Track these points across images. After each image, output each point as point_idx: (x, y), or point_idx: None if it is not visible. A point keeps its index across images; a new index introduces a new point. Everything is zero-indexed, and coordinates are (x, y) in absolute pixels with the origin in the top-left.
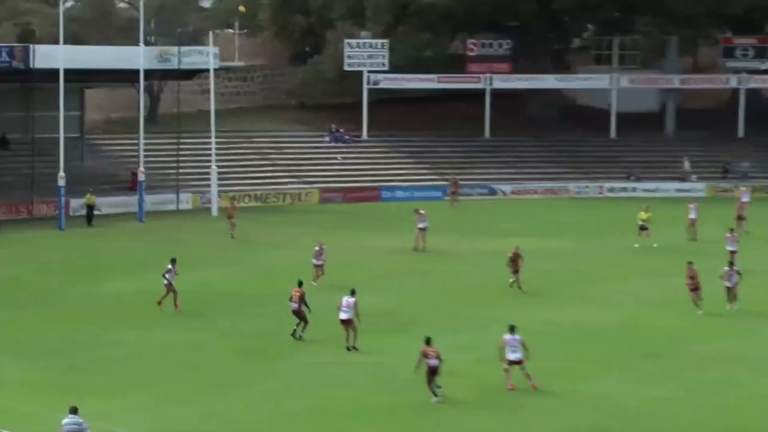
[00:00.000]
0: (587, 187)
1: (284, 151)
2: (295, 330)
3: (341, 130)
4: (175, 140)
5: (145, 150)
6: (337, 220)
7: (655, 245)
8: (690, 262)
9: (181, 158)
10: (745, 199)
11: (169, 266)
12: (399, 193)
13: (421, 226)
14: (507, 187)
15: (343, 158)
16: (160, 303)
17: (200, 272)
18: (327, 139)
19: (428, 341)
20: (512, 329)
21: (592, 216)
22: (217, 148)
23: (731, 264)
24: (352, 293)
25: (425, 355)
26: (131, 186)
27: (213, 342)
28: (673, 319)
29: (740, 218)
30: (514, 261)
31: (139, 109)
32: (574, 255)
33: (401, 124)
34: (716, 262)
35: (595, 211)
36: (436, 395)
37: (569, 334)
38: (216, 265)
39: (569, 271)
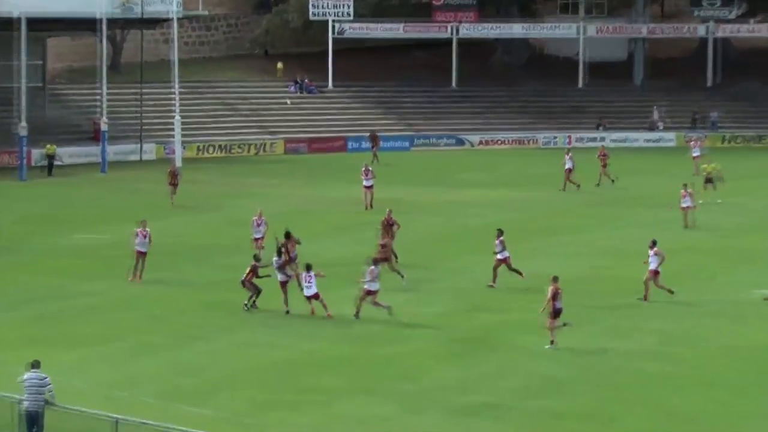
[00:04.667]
0: (556, 137)
1: (249, 101)
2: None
3: (306, 80)
4: (137, 90)
5: (108, 100)
6: (302, 170)
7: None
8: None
9: (144, 108)
10: (696, 153)
11: (138, 229)
12: (365, 144)
13: (366, 184)
14: (474, 137)
15: (292, 102)
16: (132, 276)
17: (165, 223)
18: (292, 89)
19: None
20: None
21: (560, 166)
22: (180, 98)
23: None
24: (308, 268)
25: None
26: (93, 136)
27: (179, 293)
28: (640, 269)
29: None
30: (388, 228)
31: (101, 59)
32: (540, 205)
33: (367, 74)
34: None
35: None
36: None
37: (532, 286)
38: (181, 217)
39: (534, 222)
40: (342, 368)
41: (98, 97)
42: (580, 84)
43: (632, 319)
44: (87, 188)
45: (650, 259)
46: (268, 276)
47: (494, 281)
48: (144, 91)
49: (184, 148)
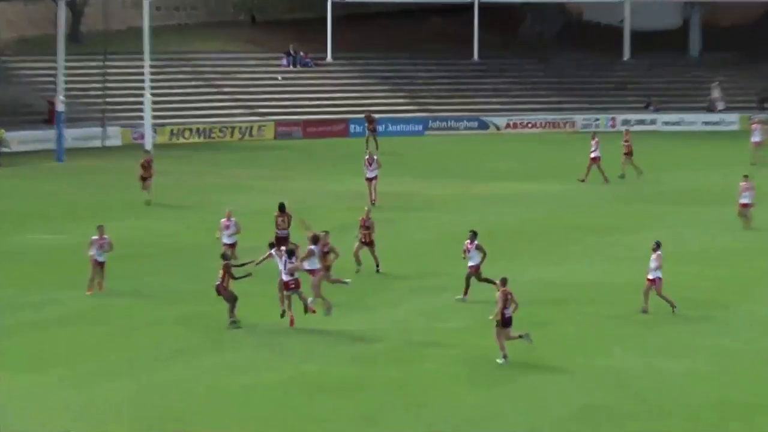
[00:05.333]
0: (597, 119)
1: (233, 76)
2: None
3: (301, 52)
4: (100, 63)
5: (66, 75)
6: (296, 158)
7: None
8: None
9: (108, 85)
10: (756, 138)
11: (95, 237)
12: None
13: (369, 175)
14: (500, 120)
15: (284, 78)
16: (89, 289)
17: (134, 222)
18: (284, 62)
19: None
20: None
21: (603, 154)
22: (151, 73)
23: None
24: (291, 254)
25: None
26: (48, 118)
27: (150, 305)
28: (692, 276)
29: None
30: (367, 231)
31: (58, 26)
32: (577, 201)
33: (373, 45)
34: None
35: (606, 149)
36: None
37: (566, 295)
38: (152, 214)
39: (571, 220)
40: (344, 393)
41: (54, 72)
42: (626, 57)
43: (687, 335)
44: (40, 180)
45: (651, 264)
46: (249, 275)
47: (466, 294)
48: (108, 64)
49: (155, 132)
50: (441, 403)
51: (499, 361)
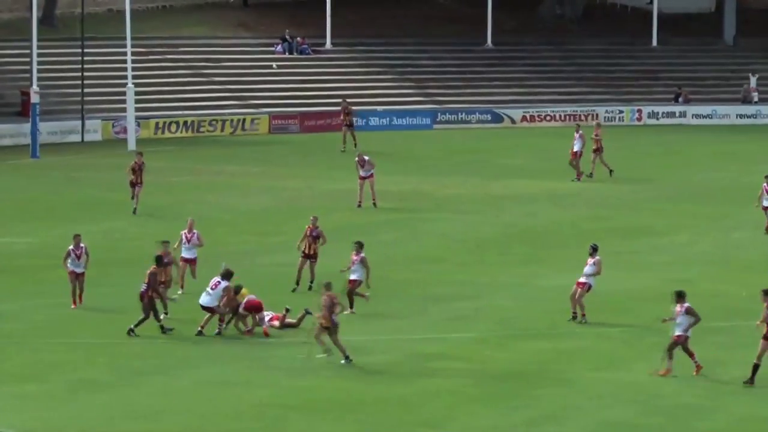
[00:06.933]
0: (621, 111)
1: (223, 64)
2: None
3: (298, 37)
4: (78, 50)
5: (40, 63)
6: (292, 155)
7: None
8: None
9: (87, 74)
10: None
11: (71, 247)
12: (374, 120)
13: (363, 174)
14: (516, 112)
15: (279, 66)
16: (73, 302)
17: (113, 225)
18: (279, 48)
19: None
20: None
21: (627, 149)
22: (134, 61)
23: None
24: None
25: None
26: (21, 110)
27: (125, 316)
28: (734, 284)
29: None
30: (312, 240)
31: (31, 8)
32: (601, 200)
33: (376, 29)
34: None
35: (631, 143)
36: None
37: (593, 305)
38: (134, 217)
39: (593, 223)
40: (344, 413)
41: (27, 59)
42: (654, 42)
43: (725, 349)
44: (11, 177)
45: (586, 269)
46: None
47: (352, 307)
48: (87, 51)
49: (138, 125)
50: (450, 424)
51: (318, 356)
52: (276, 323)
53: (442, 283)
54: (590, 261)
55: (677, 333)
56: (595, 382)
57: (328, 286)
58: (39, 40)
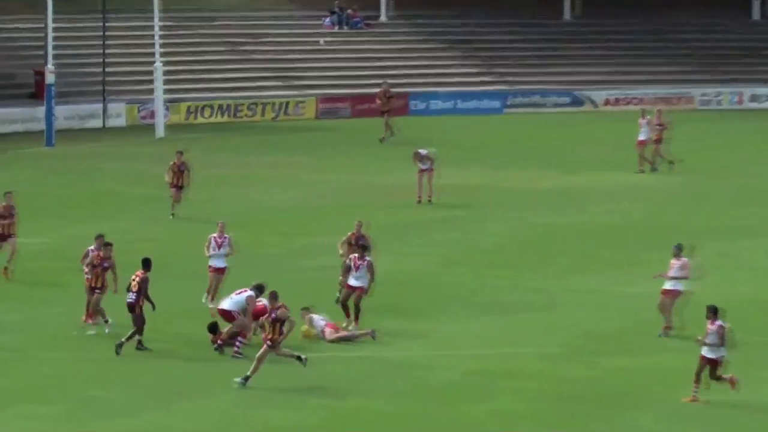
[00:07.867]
0: (720, 94)
1: (264, 40)
2: (135, 342)
3: (349, 9)
4: (99, 23)
5: (56, 38)
6: (342, 143)
7: None
8: None
9: (108, 51)
10: None
11: (91, 248)
12: (436, 103)
13: (423, 167)
14: (599, 95)
15: (328, 42)
16: (87, 317)
17: (138, 224)
18: (327, 22)
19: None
20: None
21: (723, 136)
22: (162, 36)
23: None
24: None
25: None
26: (35, 92)
27: (149, 331)
28: None
29: None
30: (354, 246)
31: None
32: (688, 198)
33: (438, 0)
34: None
35: (730, 129)
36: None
37: (690, 314)
38: (162, 216)
39: (690, 220)
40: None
41: (41, 34)
42: (755, 16)
43: None
44: (23, 169)
45: (670, 273)
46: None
47: (349, 317)
48: (108, 25)
49: (167, 110)
50: None
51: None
52: (330, 332)
53: (510, 290)
54: (675, 263)
55: (708, 356)
56: (691, 407)
57: (274, 296)
58: (54, 12)
